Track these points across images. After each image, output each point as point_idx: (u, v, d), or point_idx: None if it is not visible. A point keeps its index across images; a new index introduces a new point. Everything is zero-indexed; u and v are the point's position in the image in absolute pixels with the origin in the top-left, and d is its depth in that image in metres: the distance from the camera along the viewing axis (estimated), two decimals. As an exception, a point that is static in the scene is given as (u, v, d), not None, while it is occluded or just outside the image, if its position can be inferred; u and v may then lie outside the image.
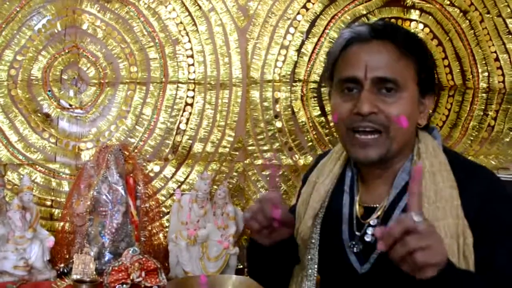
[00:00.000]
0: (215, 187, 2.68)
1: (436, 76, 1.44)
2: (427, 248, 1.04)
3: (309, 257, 1.45)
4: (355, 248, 1.38)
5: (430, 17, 2.79)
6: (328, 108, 2.79)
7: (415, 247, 1.04)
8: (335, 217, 1.43)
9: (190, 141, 2.78)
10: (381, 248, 1.08)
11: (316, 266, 1.43)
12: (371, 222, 1.37)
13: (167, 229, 2.65)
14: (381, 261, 1.32)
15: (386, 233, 1.06)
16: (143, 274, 2.27)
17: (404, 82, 1.30)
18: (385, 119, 1.30)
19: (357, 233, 1.38)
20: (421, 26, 2.80)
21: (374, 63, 1.30)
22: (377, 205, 1.38)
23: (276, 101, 2.79)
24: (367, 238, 1.36)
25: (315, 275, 1.45)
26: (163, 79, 2.77)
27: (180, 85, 2.77)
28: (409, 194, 1.08)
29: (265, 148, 2.79)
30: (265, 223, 1.36)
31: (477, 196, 1.28)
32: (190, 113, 2.78)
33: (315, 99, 2.79)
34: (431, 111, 1.43)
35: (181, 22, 2.76)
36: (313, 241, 1.45)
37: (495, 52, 2.82)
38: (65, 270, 2.45)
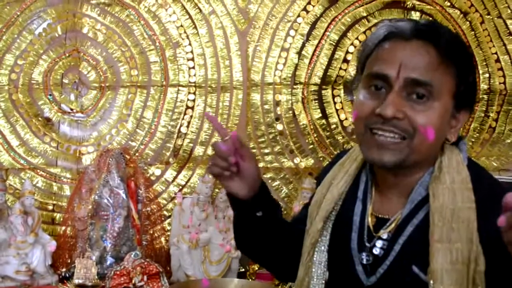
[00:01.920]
0: (216, 190, 2.68)
1: (477, 89, 1.30)
2: None
3: (317, 259, 1.37)
4: (364, 260, 1.30)
5: (431, 18, 2.79)
6: (328, 110, 2.80)
7: None
8: (346, 223, 1.35)
9: (191, 145, 2.79)
10: (501, 223, 0.94)
11: (325, 269, 1.36)
12: (382, 236, 1.28)
13: (168, 233, 2.65)
14: (388, 275, 1.26)
15: None
16: (145, 278, 2.27)
17: (439, 90, 1.17)
18: (410, 127, 1.17)
19: (367, 244, 1.30)
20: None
21: (410, 63, 1.17)
22: (390, 217, 1.29)
23: (277, 103, 2.79)
24: (376, 251, 1.28)
25: (325, 277, 1.36)
26: (164, 82, 2.77)
27: (181, 88, 2.77)
28: None
29: (266, 151, 2.79)
30: (223, 163, 1.30)
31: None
32: (191, 116, 2.78)
33: (316, 101, 2.79)
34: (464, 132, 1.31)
35: (181, 25, 2.76)
36: (322, 243, 1.37)
37: (496, 53, 2.82)
38: (67, 275, 2.45)
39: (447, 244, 1.16)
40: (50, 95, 2.73)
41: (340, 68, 2.78)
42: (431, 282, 1.15)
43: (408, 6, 2.78)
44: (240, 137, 1.34)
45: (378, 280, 1.27)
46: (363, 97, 1.23)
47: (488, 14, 2.81)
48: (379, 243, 1.28)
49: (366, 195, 1.35)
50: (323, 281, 1.36)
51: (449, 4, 2.79)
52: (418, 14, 2.79)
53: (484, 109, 2.84)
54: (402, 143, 1.18)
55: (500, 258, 1.10)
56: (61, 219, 2.67)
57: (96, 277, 2.32)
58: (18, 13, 2.69)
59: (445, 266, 1.14)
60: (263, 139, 2.79)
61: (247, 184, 1.35)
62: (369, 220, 1.31)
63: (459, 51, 1.21)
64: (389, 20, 1.27)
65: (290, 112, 2.79)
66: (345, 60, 2.78)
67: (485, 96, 2.83)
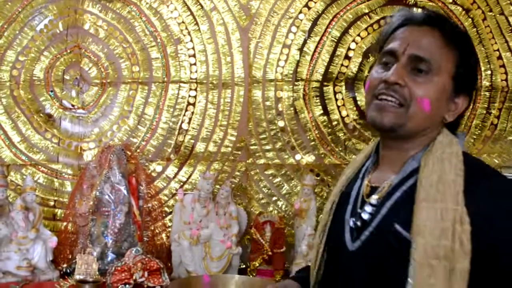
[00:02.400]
0: (217, 186, 2.68)
1: (477, 77, 1.45)
2: None
3: (321, 239, 1.50)
4: (351, 223, 1.41)
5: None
6: (330, 107, 2.79)
7: None
8: (346, 200, 1.48)
9: (193, 141, 2.78)
10: None
11: (322, 246, 1.49)
12: (372, 201, 1.39)
13: (169, 229, 2.65)
14: (372, 238, 1.34)
15: None
16: (146, 274, 2.26)
17: (438, 67, 1.33)
18: (408, 95, 1.32)
19: (358, 210, 1.41)
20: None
21: (416, 42, 1.34)
22: (382, 185, 1.40)
23: (278, 100, 2.78)
24: (364, 216, 1.38)
25: (321, 256, 1.49)
26: (165, 79, 2.76)
27: (182, 84, 2.77)
28: None
29: (268, 147, 2.79)
30: None
31: (486, 197, 1.25)
32: (192, 113, 2.78)
33: (318, 98, 2.79)
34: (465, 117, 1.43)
35: (183, 22, 2.76)
36: (327, 224, 1.50)
37: (498, 50, 2.81)
38: (68, 270, 2.44)
39: (432, 203, 1.25)
40: (52, 91, 2.73)
41: (342, 65, 2.78)
42: (412, 236, 1.23)
43: (410, 3, 2.77)
44: None
45: (362, 244, 1.37)
46: (374, 71, 1.40)
47: (491, 11, 2.80)
48: (368, 208, 1.39)
49: (365, 173, 1.49)
50: (319, 254, 1.49)
51: (451, 0, 2.79)
52: (420, 11, 2.77)
53: (486, 106, 2.83)
54: (400, 109, 1.33)
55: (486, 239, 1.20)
56: (62, 215, 2.68)
57: (97, 273, 2.31)
58: (20, 10, 2.69)
59: (428, 223, 1.22)
60: (264, 136, 2.78)
61: None
62: (364, 190, 1.44)
63: (462, 38, 1.38)
64: (404, 10, 1.47)
65: (292, 108, 2.79)
66: (347, 57, 2.78)
67: (487, 93, 2.82)
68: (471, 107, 2.81)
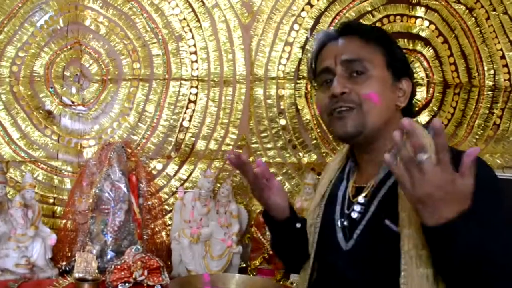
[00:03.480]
0: (218, 185, 2.66)
1: (407, 61, 1.54)
2: (441, 163, 1.06)
3: (312, 240, 1.56)
4: (340, 222, 1.47)
5: (436, 14, 2.77)
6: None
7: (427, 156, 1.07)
8: (332, 201, 1.55)
9: (193, 139, 2.77)
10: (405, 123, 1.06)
11: (313, 249, 1.54)
12: (359, 200, 1.45)
13: (169, 227, 2.64)
14: (364, 235, 1.40)
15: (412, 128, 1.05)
16: (145, 272, 2.25)
17: (371, 63, 1.43)
18: (356, 97, 1.41)
19: (346, 211, 1.47)
20: (426, 23, 2.78)
21: (342, 51, 1.46)
22: (367, 185, 1.47)
23: (280, 98, 2.77)
24: (354, 215, 1.44)
25: (312, 256, 1.55)
26: (166, 76, 2.75)
27: (183, 82, 2.75)
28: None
29: (269, 146, 2.77)
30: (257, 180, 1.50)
31: None
32: (193, 110, 2.76)
33: (320, 96, 2.77)
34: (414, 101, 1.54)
35: (184, 19, 2.74)
36: (316, 227, 1.56)
37: (501, 49, 2.80)
38: (67, 268, 2.43)
39: None
40: (52, 87, 2.71)
41: (344, 63, 2.76)
42: (400, 229, 1.27)
43: (413, 1, 2.75)
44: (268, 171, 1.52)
45: (355, 243, 1.42)
46: (319, 95, 1.51)
47: (494, 10, 2.79)
48: (357, 207, 1.46)
49: (349, 175, 1.57)
50: (312, 256, 1.55)
51: (454, 0, 2.78)
52: (423, 9, 2.77)
53: (488, 106, 2.82)
54: (354, 112, 1.41)
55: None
56: (62, 213, 2.66)
57: (97, 271, 2.30)
58: (20, 5, 2.67)
59: (411, 212, 1.24)
60: (265, 134, 2.77)
61: (281, 209, 1.58)
62: (349, 191, 1.51)
63: (377, 33, 1.52)
64: (318, 34, 1.62)
65: (293, 107, 2.77)
66: (349, 55, 2.76)
67: (490, 93, 2.81)
68: (474, 106, 2.81)
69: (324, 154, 2.78)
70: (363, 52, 1.44)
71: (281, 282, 2.45)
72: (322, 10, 2.75)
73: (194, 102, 2.76)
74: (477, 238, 1.11)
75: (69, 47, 2.71)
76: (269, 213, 1.59)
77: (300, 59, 2.75)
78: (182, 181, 2.76)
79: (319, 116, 1.54)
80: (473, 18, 2.78)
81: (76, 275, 2.27)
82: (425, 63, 2.79)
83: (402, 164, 1.09)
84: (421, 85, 2.79)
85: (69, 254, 2.48)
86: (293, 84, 2.76)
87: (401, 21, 2.77)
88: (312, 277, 1.54)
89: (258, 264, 2.55)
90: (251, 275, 2.50)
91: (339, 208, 1.51)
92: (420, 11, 2.77)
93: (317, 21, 2.75)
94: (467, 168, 1.07)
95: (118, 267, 2.25)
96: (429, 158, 1.05)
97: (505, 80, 2.80)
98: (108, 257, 2.44)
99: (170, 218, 2.68)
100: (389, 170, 1.35)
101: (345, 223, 1.45)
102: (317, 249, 1.54)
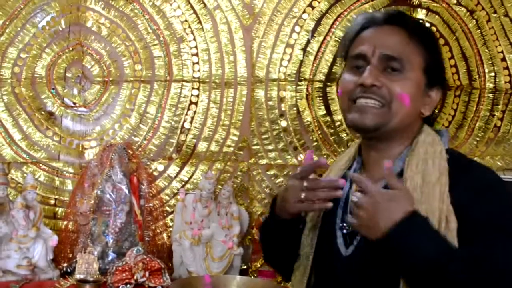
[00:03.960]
0: (219, 186, 2.67)
1: (444, 70, 1.48)
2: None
3: (311, 243, 1.49)
4: (344, 230, 1.42)
5: (437, 16, 2.77)
6: (333, 107, 2.78)
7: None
8: (335, 203, 1.43)
9: (195, 140, 2.77)
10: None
11: (313, 248, 1.47)
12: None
13: (171, 229, 2.64)
14: (364, 243, 1.35)
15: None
16: (147, 274, 2.26)
17: (410, 64, 1.36)
18: (387, 94, 1.34)
19: (349, 215, 1.37)
20: (427, 25, 2.78)
21: (384, 42, 1.37)
22: None
23: (281, 100, 2.77)
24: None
25: (311, 255, 1.48)
26: (168, 78, 2.75)
27: (184, 83, 2.75)
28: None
29: (270, 147, 2.77)
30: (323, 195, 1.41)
31: (470, 189, 1.28)
32: (195, 112, 2.77)
33: (321, 98, 2.77)
34: (437, 111, 1.48)
35: (186, 20, 2.74)
36: (316, 229, 1.49)
37: (502, 52, 2.79)
38: (69, 270, 2.44)
39: (418, 205, 1.26)
40: (53, 89, 2.72)
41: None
42: None
43: (414, 3, 2.76)
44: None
45: (355, 249, 1.38)
46: (346, 76, 1.42)
47: (495, 12, 2.78)
48: None
49: None
50: (310, 260, 1.47)
51: (455, 1, 2.77)
52: (424, 11, 2.77)
53: (489, 108, 2.81)
54: (382, 109, 1.35)
55: (467, 222, 1.24)
56: (63, 214, 2.66)
57: (98, 272, 2.31)
58: (22, 6, 2.67)
59: None
60: (267, 136, 2.77)
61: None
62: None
63: (424, 31, 1.44)
64: (364, 13, 1.51)
65: (295, 108, 2.77)
66: (350, 57, 2.76)
67: (491, 95, 2.80)
68: (475, 109, 2.81)
69: (325, 156, 2.78)
70: (405, 50, 1.36)
71: (282, 284, 2.46)
72: (324, 12, 2.74)
73: (196, 103, 2.76)
74: (422, 241, 1.19)
75: (70, 49, 2.71)
76: (283, 214, 1.47)
77: (301, 61, 2.75)
78: (183, 183, 2.76)
79: (339, 100, 1.57)
80: (474, 20, 2.78)
81: (78, 276, 2.27)
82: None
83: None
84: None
85: (71, 256, 2.49)
86: (294, 86, 2.76)
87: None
88: (310, 281, 1.49)
89: (259, 265, 2.56)
90: (252, 277, 2.51)
91: (340, 211, 1.45)
92: (421, 13, 2.77)
93: (318, 23, 2.75)
94: (389, 179, 1.22)
95: (120, 268, 2.25)
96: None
97: (505, 82, 2.80)
98: (109, 258, 2.44)
99: (171, 220, 2.68)
100: (396, 175, 1.34)
101: (348, 228, 1.40)
102: (316, 252, 1.48)
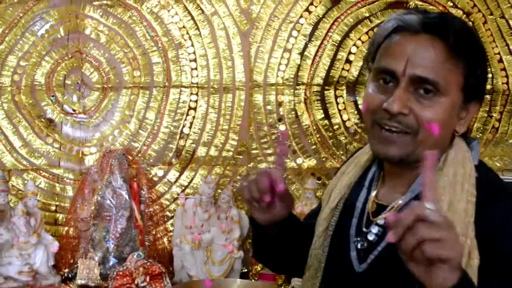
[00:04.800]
0: (219, 191, 2.68)
1: (486, 80, 1.28)
2: (440, 240, 0.92)
3: (322, 248, 1.39)
4: (359, 245, 1.30)
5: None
6: (331, 111, 2.79)
7: (425, 236, 0.92)
8: (350, 210, 1.35)
9: (194, 145, 2.78)
10: (390, 239, 0.96)
11: (325, 255, 1.37)
12: (379, 221, 1.28)
13: (171, 234, 2.65)
14: (378, 262, 1.25)
15: (398, 220, 0.95)
16: (147, 278, 2.27)
17: (446, 87, 1.17)
18: (415, 122, 1.17)
19: (364, 229, 1.30)
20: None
21: (417, 60, 1.16)
22: (390, 204, 1.29)
23: (279, 104, 2.78)
24: (370, 237, 1.28)
25: (323, 263, 1.38)
26: (166, 83, 2.77)
27: (183, 89, 2.77)
28: (421, 184, 0.97)
29: (269, 151, 2.78)
30: (256, 194, 1.29)
31: (496, 220, 1.15)
32: (194, 117, 2.78)
33: (319, 102, 2.79)
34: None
35: (183, 26, 2.76)
36: (328, 233, 1.38)
37: (499, 53, 2.81)
38: (70, 275, 2.44)
39: None
40: (53, 96, 2.73)
41: (343, 69, 2.78)
42: None
43: (410, 7, 2.77)
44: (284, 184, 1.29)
45: (368, 267, 1.26)
46: (371, 91, 1.24)
47: (491, 14, 2.80)
48: (374, 229, 1.28)
49: (371, 183, 1.35)
50: (322, 263, 1.36)
51: (451, 4, 2.79)
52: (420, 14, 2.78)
53: (487, 109, 2.82)
54: (407, 138, 1.19)
55: (489, 256, 1.11)
56: (64, 220, 2.67)
57: (99, 277, 2.32)
58: (21, 15, 2.69)
59: None
60: (265, 140, 2.78)
61: (272, 218, 1.35)
62: (370, 206, 1.31)
63: (469, 44, 1.20)
64: (397, 14, 1.25)
65: (293, 112, 2.78)
66: (348, 61, 2.78)
67: (488, 96, 2.81)
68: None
69: (324, 159, 2.79)
70: (444, 69, 1.16)
71: (282, 287, 2.46)
72: (320, 16, 2.76)
73: (194, 109, 2.78)
74: None
75: (70, 56, 2.72)
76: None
77: (299, 65, 2.77)
78: (183, 188, 2.77)
79: (363, 114, 1.31)
80: (471, 23, 2.79)
81: (79, 282, 2.29)
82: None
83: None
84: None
85: (72, 261, 2.50)
86: (292, 90, 2.78)
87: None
88: (321, 286, 1.38)
89: (259, 269, 2.56)
90: (253, 280, 2.51)
91: (355, 221, 1.32)
92: (417, 16, 2.78)
93: (315, 27, 2.77)
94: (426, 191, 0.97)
95: (120, 273, 2.26)
96: (433, 211, 0.93)
97: (503, 83, 2.81)
98: (110, 263, 2.45)
99: (172, 224, 2.69)
100: (418, 193, 1.21)
101: (365, 244, 1.28)
102: (327, 262, 1.36)
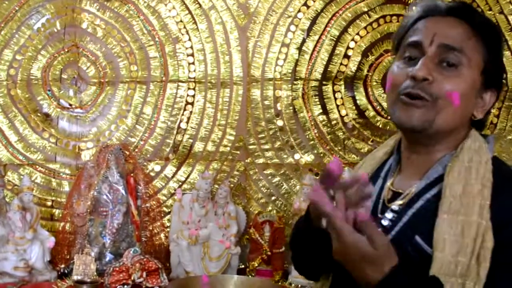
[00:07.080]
0: (216, 186, 2.67)
1: (504, 72, 1.36)
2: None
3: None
4: None
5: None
6: (329, 106, 2.78)
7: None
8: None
9: (191, 140, 2.77)
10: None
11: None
12: (393, 207, 1.31)
13: (168, 229, 2.64)
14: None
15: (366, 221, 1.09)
16: (144, 274, 2.26)
17: (468, 60, 1.24)
18: (437, 90, 1.22)
19: (379, 215, 1.32)
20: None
21: (444, 33, 1.24)
22: (405, 191, 1.31)
23: (277, 99, 2.77)
24: (384, 223, 1.30)
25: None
26: (164, 78, 2.75)
27: (180, 84, 2.76)
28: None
29: (266, 147, 2.77)
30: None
31: (508, 209, 1.18)
32: (191, 112, 2.77)
33: (317, 97, 2.78)
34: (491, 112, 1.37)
35: (181, 21, 2.75)
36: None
37: (498, 49, 2.80)
38: (66, 271, 2.44)
39: (454, 216, 1.18)
40: (49, 90, 2.72)
41: (341, 64, 2.77)
42: (432, 250, 1.16)
43: (409, 2, 2.76)
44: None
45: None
46: (396, 67, 1.30)
47: (490, 9, 2.79)
48: (389, 215, 1.30)
49: (388, 173, 1.39)
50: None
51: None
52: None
53: (485, 105, 2.82)
54: (427, 104, 1.23)
55: (501, 244, 1.14)
56: (60, 215, 2.67)
57: (95, 273, 2.31)
58: (17, 8, 2.67)
59: (448, 236, 1.15)
60: (263, 135, 2.77)
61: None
62: (386, 194, 1.35)
63: (490, 31, 1.29)
64: (422, 3, 1.34)
65: (291, 107, 2.77)
66: (346, 56, 2.77)
67: (487, 92, 2.81)
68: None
69: (321, 155, 2.78)
70: (467, 44, 1.23)
71: (279, 283, 2.46)
72: (319, 11, 2.75)
73: (192, 104, 2.77)
74: None
75: (66, 50, 2.71)
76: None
77: (297, 60, 2.76)
78: (180, 183, 2.77)
79: (387, 95, 1.35)
80: (469, 18, 2.78)
81: (75, 277, 2.28)
82: (421, 63, 2.79)
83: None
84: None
85: (68, 257, 2.49)
86: (290, 85, 2.77)
87: (398, 21, 2.76)
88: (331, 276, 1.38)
89: (256, 265, 2.55)
90: (250, 276, 2.50)
91: (370, 207, 1.29)
92: (416, 11, 2.77)
93: (313, 22, 2.76)
94: (368, 230, 1.09)
95: (117, 269, 2.25)
96: None
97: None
98: (107, 259, 2.44)
99: (169, 220, 2.68)
100: (433, 180, 1.27)
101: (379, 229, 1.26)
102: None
